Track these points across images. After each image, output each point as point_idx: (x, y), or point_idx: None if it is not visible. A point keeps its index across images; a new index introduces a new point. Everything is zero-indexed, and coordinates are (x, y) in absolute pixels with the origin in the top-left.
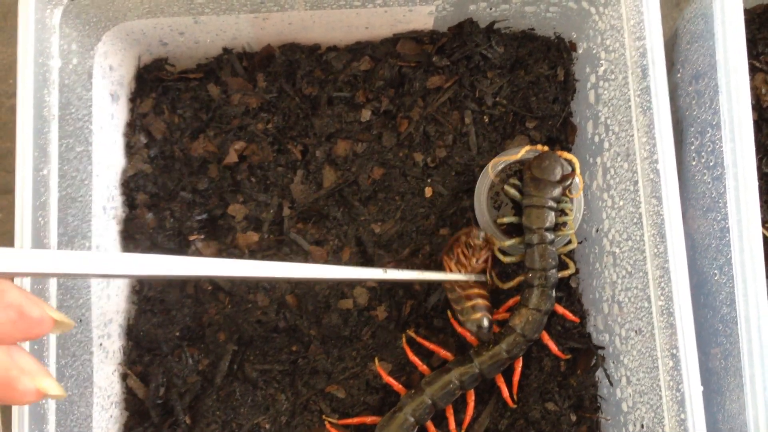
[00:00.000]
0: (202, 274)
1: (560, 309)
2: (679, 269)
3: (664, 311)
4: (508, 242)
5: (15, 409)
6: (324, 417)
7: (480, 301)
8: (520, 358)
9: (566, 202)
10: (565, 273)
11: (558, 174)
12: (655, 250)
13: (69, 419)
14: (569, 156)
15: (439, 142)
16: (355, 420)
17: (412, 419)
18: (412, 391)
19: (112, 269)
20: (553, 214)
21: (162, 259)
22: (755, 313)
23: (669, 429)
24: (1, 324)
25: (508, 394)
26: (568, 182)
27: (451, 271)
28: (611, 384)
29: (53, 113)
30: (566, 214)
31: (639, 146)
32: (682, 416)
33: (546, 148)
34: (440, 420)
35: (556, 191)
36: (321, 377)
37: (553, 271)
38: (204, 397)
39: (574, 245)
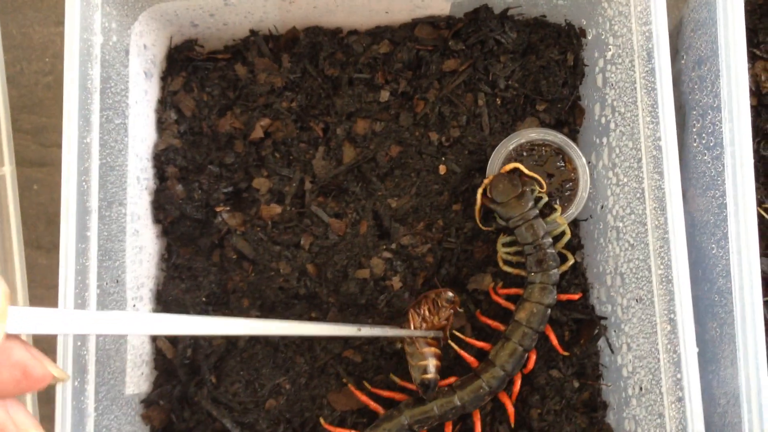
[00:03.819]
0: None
1: (563, 297)
2: (678, 238)
3: (664, 279)
4: (504, 249)
5: (60, 356)
6: (344, 380)
7: (433, 361)
8: (534, 351)
9: (551, 196)
10: (564, 267)
11: (517, 185)
12: (656, 222)
13: (106, 371)
14: (511, 166)
15: (454, 123)
16: (386, 393)
17: (437, 413)
18: (446, 389)
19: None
20: (540, 221)
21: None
22: (749, 283)
23: (666, 389)
24: (6, 383)
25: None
26: (532, 184)
27: (414, 324)
28: (612, 352)
29: (95, 86)
30: (554, 209)
31: (643, 125)
32: (678, 376)
33: (509, 166)
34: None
35: (527, 199)
36: (338, 342)
37: (554, 270)
38: (228, 359)
39: (568, 236)
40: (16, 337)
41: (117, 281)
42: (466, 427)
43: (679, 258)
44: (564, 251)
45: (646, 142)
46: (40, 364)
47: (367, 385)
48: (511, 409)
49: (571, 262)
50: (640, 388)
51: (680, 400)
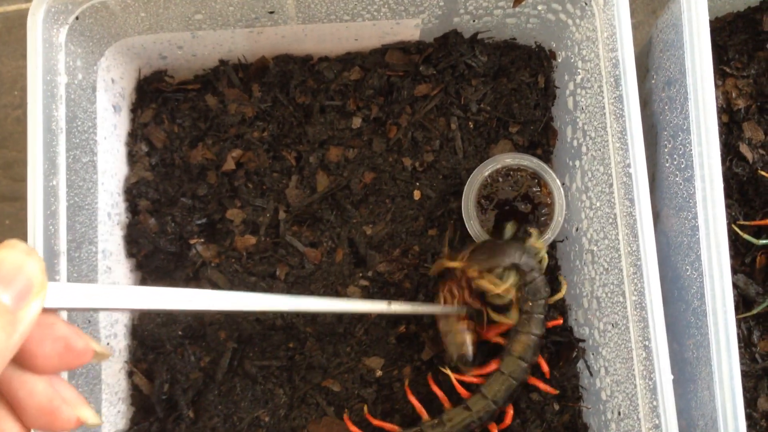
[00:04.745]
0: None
1: (550, 324)
2: (650, 266)
3: (637, 306)
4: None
5: None
6: (326, 412)
7: (469, 335)
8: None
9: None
10: (558, 296)
11: (514, 249)
12: (629, 249)
13: None
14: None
15: (427, 147)
16: (376, 422)
17: None
18: (435, 421)
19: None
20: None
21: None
22: (721, 306)
23: (643, 415)
24: (49, 357)
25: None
26: (529, 246)
27: (445, 301)
28: (591, 374)
29: (61, 127)
30: (530, 234)
31: (613, 151)
32: (654, 403)
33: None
34: None
35: (519, 254)
36: (317, 372)
37: (542, 301)
38: (206, 393)
39: (545, 261)
40: (55, 312)
41: (89, 321)
42: None
43: (652, 286)
44: (560, 277)
45: (616, 167)
46: (81, 339)
47: (366, 409)
48: None
49: (564, 291)
50: (619, 413)
51: (657, 427)
